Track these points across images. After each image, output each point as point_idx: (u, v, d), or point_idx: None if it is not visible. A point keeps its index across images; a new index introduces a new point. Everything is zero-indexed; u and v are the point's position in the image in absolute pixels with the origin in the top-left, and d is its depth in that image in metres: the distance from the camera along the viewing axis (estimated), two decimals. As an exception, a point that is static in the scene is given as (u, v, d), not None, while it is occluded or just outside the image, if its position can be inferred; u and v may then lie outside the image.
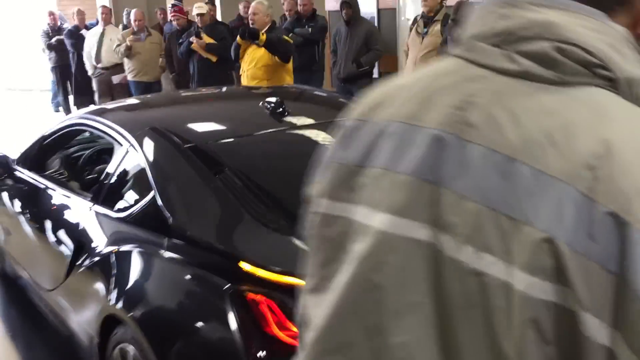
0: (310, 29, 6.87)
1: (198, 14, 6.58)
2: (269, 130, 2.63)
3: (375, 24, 6.45)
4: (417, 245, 0.63)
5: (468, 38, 0.70)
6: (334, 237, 0.72)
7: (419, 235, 0.63)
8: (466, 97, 0.65)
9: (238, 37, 5.40)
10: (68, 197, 2.81)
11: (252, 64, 5.21)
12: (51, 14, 9.39)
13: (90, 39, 7.83)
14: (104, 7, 8.12)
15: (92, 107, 3.28)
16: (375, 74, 6.58)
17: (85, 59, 7.90)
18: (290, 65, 5.28)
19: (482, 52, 0.67)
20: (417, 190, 0.65)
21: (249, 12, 5.34)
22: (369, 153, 0.71)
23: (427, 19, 5.37)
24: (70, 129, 3.14)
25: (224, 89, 3.97)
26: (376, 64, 6.47)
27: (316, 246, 0.77)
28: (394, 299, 0.64)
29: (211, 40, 6.45)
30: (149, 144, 2.42)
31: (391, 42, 6.41)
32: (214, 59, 6.48)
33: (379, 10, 6.49)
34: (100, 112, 2.99)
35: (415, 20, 5.59)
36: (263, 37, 5.01)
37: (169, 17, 7.54)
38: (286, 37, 5.14)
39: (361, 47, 6.10)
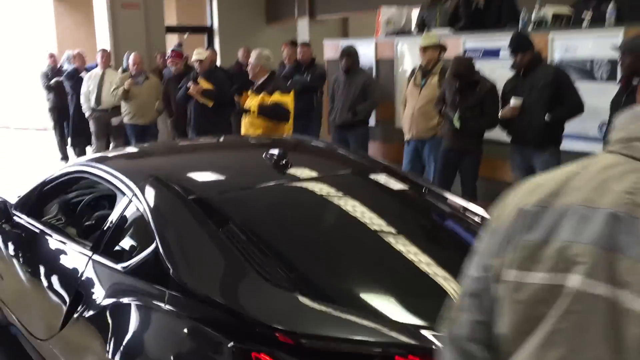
0: (308, 77, 6.99)
1: (197, 60, 6.69)
2: (273, 183, 2.63)
3: (374, 74, 6.55)
4: (599, 299, 0.85)
5: (624, 139, 0.95)
6: (524, 300, 0.93)
7: (600, 291, 0.85)
8: (634, 184, 0.88)
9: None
10: (67, 244, 2.79)
11: (250, 112, 5.28)
12: (51, 55, 9.49)
13: (88, 80, 7.90)
14: (103, 50, 8.24)
15: (94, 154, 3.28)
16: (372, 123, 6.63)
17: (82, 100, 7.95)
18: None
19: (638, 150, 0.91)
20: (598, 256, 0.86)
21: (250, 61, 5.42)
22: (553, 231, 0.92)
23: (425, 71, 5.46)
24: (72, 175, 3.13)
25: (227, 139, 4.00)
26: (373, 113, 6.54)
27: (508, 308, 0.96)
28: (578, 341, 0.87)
29: (208, 86, 6.53)
30: (152, 194, 2.42)
31: (389, 92, 6.50)
32: (210, 104, 6.56)
33: (377, 61, 6.60)
34: (103, 160, 2.99)
35: (413, 72, 5.67)
36: (255, 109, 5.14)
37: (168, 62, 7.63)
38: (281, 98, 5.13)
39: (358, 96, 6.19)
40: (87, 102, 7.90)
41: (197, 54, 6.78)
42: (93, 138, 8.06)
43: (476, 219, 2.65)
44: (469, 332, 1.04)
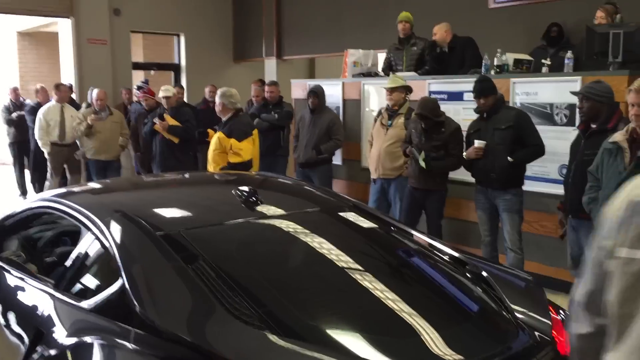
0: (276, 115, 7.03)
1: (164, 97, 6.69)
2: (242, 220, 2.62)
3: (341, 114, 6.64)
4: None
5: None
6: (632, 272, 1.20)
7: None
8: None
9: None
10: (27, 281, 2.70)
11: (211, 148, 5.30)
12: (14, 90, 9.34)
13: (46, 115, 7.72)
14: (61, 84, 8.13)
15: (59, 189, 3.21)
16: (339, 161, 6.70)
17: (39, 135, 7.75)
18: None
19: None
20: None
21: (215, 99, 5.45)
22: None
23: (391, 112, 5.57)
24: (35, 211, 3.06)
25: (196, 174, 3.97)
26: (339, 152, 6.61)
27: (618, 279, 1.22)
28: None
29: (174, 122, 6.53)
30: (118, 230, 2.38)
31: (355, 131, 6.59)
32: (175, 140, 6.55)
33: (344, 101, 6.70)
34: (68, 195, 2.94)
35: (379, 113, 5.77)
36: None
37: (138, 97, 7.59)
38: (235, 144, 5.14)
39: (323, 135, 6.26)
40: (45, 137, 7.73)
41: (164, 91, 6.79)
42: (49, 174, 7.86)
43: (442, 256, 2.68)
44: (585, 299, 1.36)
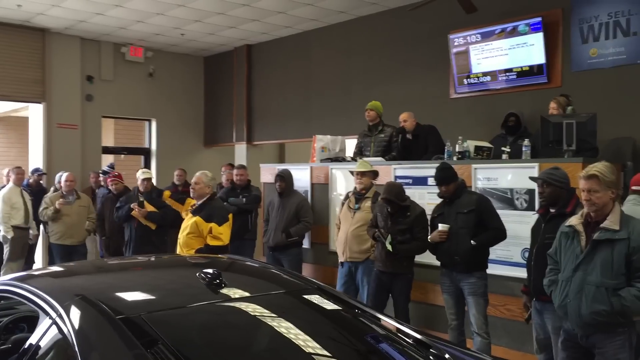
0: (244, 199, 7.09)
1: (144, 179, 6.68)
2: (205, 303, 2.59)
3: (309, 197, 6.72)
4: None
5: None
6: None
7: None
8: None
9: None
10: (-22, 370, 2.60)
11: (184, 232, 5.25)
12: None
13: (9, 200, 7.64)
14: (18, 167, 8.08)
15: (18, 273, 3.14)
16: (307, 244, 6.71)
17: (1, 219, 7.62)
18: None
19: None
20: None
21: (192, 181, 5.43)
22: None
23: (358, 196, 5.67)
24: (-9, 295, 2.98)
25: (159, 257, 3.93)
26: (308, 235, 6.64)
27: None
28: None
29: (152, 209, 6.51)
30: (77, 314, 2.33)
31: (323, 214, 6.66)
32: (153, 226, 6.52)
33: (312, 185, 6.81)
34: (27, 279, 2.88)
35: (347, 196, 5.87)
36: (188, 231, 5.21)
37: (107, 181, 7.59)
38: (216, 228, 5.16)
39: (292, 219, 6.30)
40: (10, 221, 7.60)
41: (145, 173, 6.79)
42: (7, 258, 7.62)
43: (407, 339, 2.67)
44: None
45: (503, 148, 5.45)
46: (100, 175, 8.69)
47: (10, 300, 3.16)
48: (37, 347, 2.40)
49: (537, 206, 4.72)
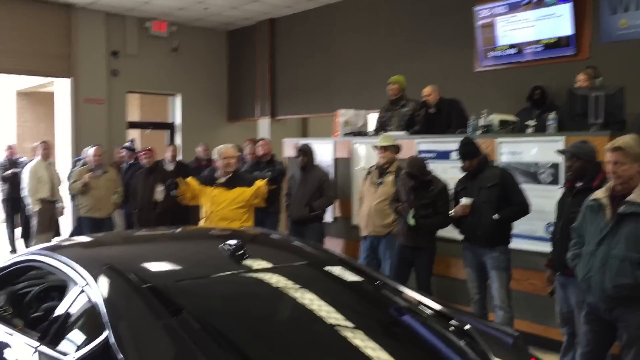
0: (268, 173, 7.12)
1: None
2: (229, 273, 2.65)
3: (332, 172, 6.73)
4: None
5: None
6: None
7: None
8: None
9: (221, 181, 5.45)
10: (12, 335, 2.69)
11: (222, 205, 5.28)
12: (9, 147, 9.45)
13: (36, 173, 7.80)
14: (45, 142, 8.23)
15: (48, 243, 3.23)
16: (329, 219, 6.74)
17: (28, 193, 7.79)
18: (254, 208, 5.44)
19: None
20: None
21: (223, 156, 5.44)
22: None
23: (381, 170, 5.67)
24: (23, 265, 3.07)
25: (185, 229, 4.00)
26: (331, 210, 6.67)
27: None
28: None
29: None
30: (105, 283, 2.40)
31: (346, 188, 6.67)
32: None
33: (335, 160, 6.82)
34: (56, 249, 2.96)
35: (369, 171, 5.87)
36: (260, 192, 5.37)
37: (139, 156, 7.70)
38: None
39: (314, 193, 6.33)
40: (36, 194, 7.78)
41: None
42: (37, 230, 7.82)
43: (427, 310, 2.70)
44: None
45: (528, 122, 5.38)
46: (121, 150, 8.82)
47: (40, 270, 3.26)
48: (67, 315, 2.48)
49: (562, 180, 4.68)
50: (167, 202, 7.14)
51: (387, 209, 5.50)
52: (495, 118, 5.50)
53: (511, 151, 5.17)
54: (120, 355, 2.04)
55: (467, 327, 2.52)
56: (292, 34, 10.18)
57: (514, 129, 5.45)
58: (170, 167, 7.87)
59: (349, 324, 2.45)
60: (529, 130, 5.29)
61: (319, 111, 9.63)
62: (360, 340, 2.30)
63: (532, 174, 5.01)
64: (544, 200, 4.82)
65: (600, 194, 3.44)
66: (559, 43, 6.55)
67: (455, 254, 5.29)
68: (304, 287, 2.64)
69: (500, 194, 4.58)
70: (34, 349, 2.46)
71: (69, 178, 7.76)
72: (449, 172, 5.46)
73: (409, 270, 5.23)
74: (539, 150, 5.00)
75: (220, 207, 5.28)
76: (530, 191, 4.77)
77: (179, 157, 10.14)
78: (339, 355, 2.23)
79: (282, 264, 2.88)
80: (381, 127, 6.78)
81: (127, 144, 8.95)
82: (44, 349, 2.41)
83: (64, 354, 2.30)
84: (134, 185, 7.47)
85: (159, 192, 7.13)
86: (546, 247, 4.53)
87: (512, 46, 6.96)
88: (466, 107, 6.45)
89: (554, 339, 4.65)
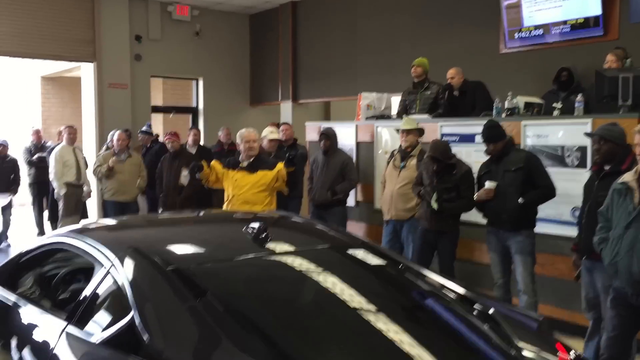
0: (291, 157, 7.11)
1: (272, 140, 6.44)
2: (252, 256, 2.66)
3: (354, 156, 6.71)
4: None
5: None
6: None
7: None
8: None
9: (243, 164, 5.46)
10: (40, 316, 2.74)
11: (244, 189, 5.31)
12: (36, 131, 9.58)
13: (62, 157, 7.91)
14: (70, 127, 8.33)
15: (73, 226, 3.28)
16: (352, 203, 6.73)
17: (54, 177, 7.92)
18: (275, 192, 5.46)
19: None
20: None
21: (246, 139, 5.45)
22: None
23: (404, 154, 5.63)
24: (50, 247, 3.12)
25: (208, 212, 4.02)
26: (353, 194, 6.65)
27: None
28: None
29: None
30: (130, 265, 2.43)
31: (368, 173, 6.64)
32: (285, 192, 6.23)
33: (357, 143, 6.78)
34: (83, 231, 3.00)
35: (392, 155, 5.83)
36: (280, 175, 5.38)
37: (164, 140, 7.75)
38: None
39: (337, 177, 6.31)
40: (62, 178, 7.89)
41: (273, 133, 6.52)
42: (63, 214, 7.94)
43: (450, 294, 2.68)
44: None
45: (554, 104, 5.29)
46: (139, 134, 8.88)
47: (67, 252, 3.31)
48: (93, 296, 2.52)
49: (589, 164, 4.60)
50: (192, 187, 7.22)
51: (409, 192, 5.47)
52: (520, 100, 5.41)
53: (537, 134, 5.09)
54: (146, 336, 2.07)
55: (491, 311, 2.50)
56: (314, 16, 10.11)
57: (540, 111, 5.36)
58: (192, 150, 7.91)
59: (372, 307, 2.44)
60: (555, 112, 5.20)
61: (341, 94, 9.58)
62: (383, 323, 2.29)
63: (558, 157, 4.93)
64: (570, 183, 4.75)
65: (628, 177, 3.37)
66: (586, 23, 6.40)
67: (478, 238, 5.25)
68: (327, 270, 2.64)
69: (525, 177, 4.52)
70: (61, 330, 2.50)
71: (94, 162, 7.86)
72: (473, 156, 5.40)
73: (432, 254, 5.21)
74: (566, 133, 4.91)
75: (242, 191, 5.30)
76: (556, 174, 4.70)
77: (202, 141, 10.21)
78: (362, 338, 2.23)
79: (305, 248, 2.88)
80: (404, 110, 6.73)
81: (144, 128, 9.01)
82: (71, 329, 2.45)
83: (91, 334, 2.33)
84: (159, 170, 7.53)
85: (184, 176, 7.18)
86: (572, 231, 4.48)
87: (538, 27, 6.82)
88: (491, 89, 6.35)
89: (579, 324, 4.61)
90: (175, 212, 5.57)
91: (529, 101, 5.41)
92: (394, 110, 7.04)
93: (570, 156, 4.86)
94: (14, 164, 8.88)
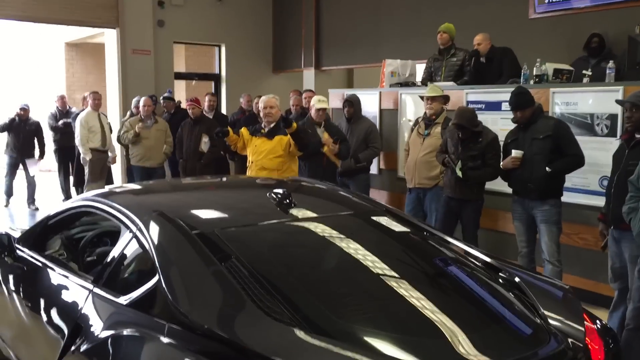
0: (284, 117, 7.07)
1: (320, 109, 6.10)
2: (275, 221, 2.66)
3: (378, 123, 6.64)
4: None
5: None
6: None
7: None
8: None
9: (243, 129, 5.54)
10: (68, 278, 2.79)
11: (262, 155, 5.32)
12: (61, 97, 9.65)
13: (88, 122, 7.97)
14: (95, 92, 8.38)
15: (100, 190, 3.31)
16: (375, 171, 6.70)
17: (80, 142, 8.02)
18: (296, 158, 5.43)
19: None
20: None
21: (264, 105, 5.46)
22: None
23: (428, 122, 5.55)
24: (77, 210, 3.16)
25: (232, 178, 4.03)
26: (376, 161, 6.61)
27: None
28: None
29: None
30: (156, 229, 2.44)
31: (392, 140, 6.59)
32: (338, 163, 6.14)
33: (381, 111, 6.71)
34: (109, 195, 3.03)
35: (416, 122, 5.76)
36: (294, 125, 5.17)
37: (187, 106, 7.75)
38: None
39: (360, 144, 6.26)
40: (88, 144, 7.97)
41: (321, 102, 6.16)
42: (88, 179, 8.05)
43: (475, 261, 2.66)
44: None
45: (584, 71, 5.15)
46: (161, 100, 8.89)
47: (94, 216, 3.35)
48: (119, 259, 2.55)
49: (619, 132, 4.49)
50: (211, 153, 7.24)
51: (433, 161, 5.41)
52: (549, 67, 5.28)
53: (566, 102, 4.98)
54: (171, 299, 2.09)
55: (517, 279, 2.48)
56: (338, -19, 9.94)
57: (569, 78, 5.23)
58: (209, 116, 7.90)
59: (396, 273, 2.44)
60: (585, 80, 5.06)
61: (365, 62, 9.46)
62: (406, 290, 2.29)
63: (588, 125, 4.82)
64: (599, 152, 4.65)
65: (660, 145, 3.28)
66: (620, -13, 6.19)
67: (503, 207, 5.20)
68: (350, 236, 2.63)
69: (553, 145, 4.43)
70: (88, 291, 2.55)
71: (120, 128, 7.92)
72: (500, 124, 5.31)
73: (455, 223, 5.17)
74: (596, 100, 4.79)
75: (260, 157, 5.31)
76: (585, 143, 4.61)
77: (223, 108, 10.21)
78: (385, 304, 2.23)
79: (329, 213, 2.88)
80: (429, 77, 6.63)
81: (166, 94, 9.02)
82: (99, 291, 2.50)
83: (117, 296, 2.37)
84: (179, 136, 7.54)
85: (204, 143, 7.19)
86: (599, 201, 4.40)
87: (569, -9, 6.61)
88: (519, 56, 6.21)
89: (604, 294, 4.56)
90: (199, 177, 5.59)
91: (558, 68, 5.27)
92: (419, 78, 6.94)
93: (600, 124, 4.75)
94: (36, 127, 9.01)
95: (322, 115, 6.14)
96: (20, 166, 9.05)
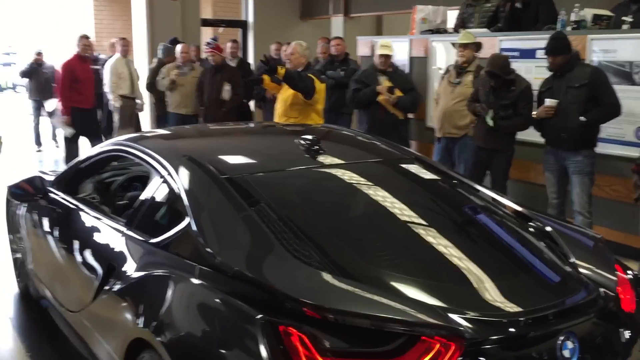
0: (342, 72, 6.99)
1: (383, 55, 5.83)
2: (304, 167, 2.65)
3: (407, 71, 6.52)
4: None
5: None
6: None
7: None
8: None
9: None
10: (101, 220, 2.84)
11: (280, 102, 5.33)
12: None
13: (118, 69, 7.98)
14: (124, 39, 8.34)
15: (131, 135, 3.33)
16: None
17: (109, 89, 8.04)
18: (319, 105, 5.35)
19: None
20: None
21: (288, 51, 5.44)
22: None
23: (460, 70, 5.43)
24: (108, 154, 3.19)
25: (261, 124, 4.02)
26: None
27: None
28: None
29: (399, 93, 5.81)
30: (186, 173, 2.46)
31: (421, 89, 6.45)
32: (401, 116, 5.93)
33: (411, 58, 6.57)
34: (140, 139, 3.05)
35: (447, 70, 5.64)
36: (282, 70, 5.04)
37: (206, 52, 7.66)
38: (311, 75, 5.19)
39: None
40: (117, 90, 8.00)
41: (383, 47, 5.78)
42: (118, 126, 8.09)
43: (506, 210, 2.64)
44: None
45: (624, 17, 4.94)
46: (205, 47, 8.78)
47: (125, 160, 3.39)
48: (150, 202, 2.59)
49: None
50: (234, 101, 7.16)
51: (463, 110, 5.31)
52: (588, 13, 5.08)
53: (604, 49, 4.80)
54: (201, 241, 2.12)
55: (548, 228, 2.45)
56: None
57: (609, 25, 5.03)
58: (232, 64, 7.80)
59: (425, 221, 2.43)
60: (625, 26, 4.86)
61: (395, 8, 9.22)
62: (433, 237, 2.28)
63: (626, 73, 4.66)
64: (636, 102, 4.51)
65: None
66: None
67: (534, 158, 5.11)
68: (379, 183, 2.62)
69: (589, 94, 4.31)
70: (121, 233, 2.60)
71: (152, 75, 7.87)
72: (534, 72, 5.16)
73: (484, 173, 5.11)
74: (635, 48, 4.61)
75: (279, 104, 5.32)
76: (622, 92, 4.46)
77: (250, 57, 10.10)
78: (413, 251, 2.23)
79: (359, 160, 2.86)
80: (462, 23, 6.43)
81: (210, 40, 8.88)
82: (131, 232, 2.54)
83: (149, 238, 2.41)
84: (200, 83, 7.38)
85: (226, 91, 7.09)
86: (633, 152, 4.30)
87: None
88: (557, 1, 5.98)
89: (634, 246, 4.51)
90: (227, 123, 5.59)
91: (597, 14, 5.07)
92: (450, 24, 6.75)
93: (639, 73, 4.59)
94: (51, 71, 9.13)
95: (385, 62, 5.84)
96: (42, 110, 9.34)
